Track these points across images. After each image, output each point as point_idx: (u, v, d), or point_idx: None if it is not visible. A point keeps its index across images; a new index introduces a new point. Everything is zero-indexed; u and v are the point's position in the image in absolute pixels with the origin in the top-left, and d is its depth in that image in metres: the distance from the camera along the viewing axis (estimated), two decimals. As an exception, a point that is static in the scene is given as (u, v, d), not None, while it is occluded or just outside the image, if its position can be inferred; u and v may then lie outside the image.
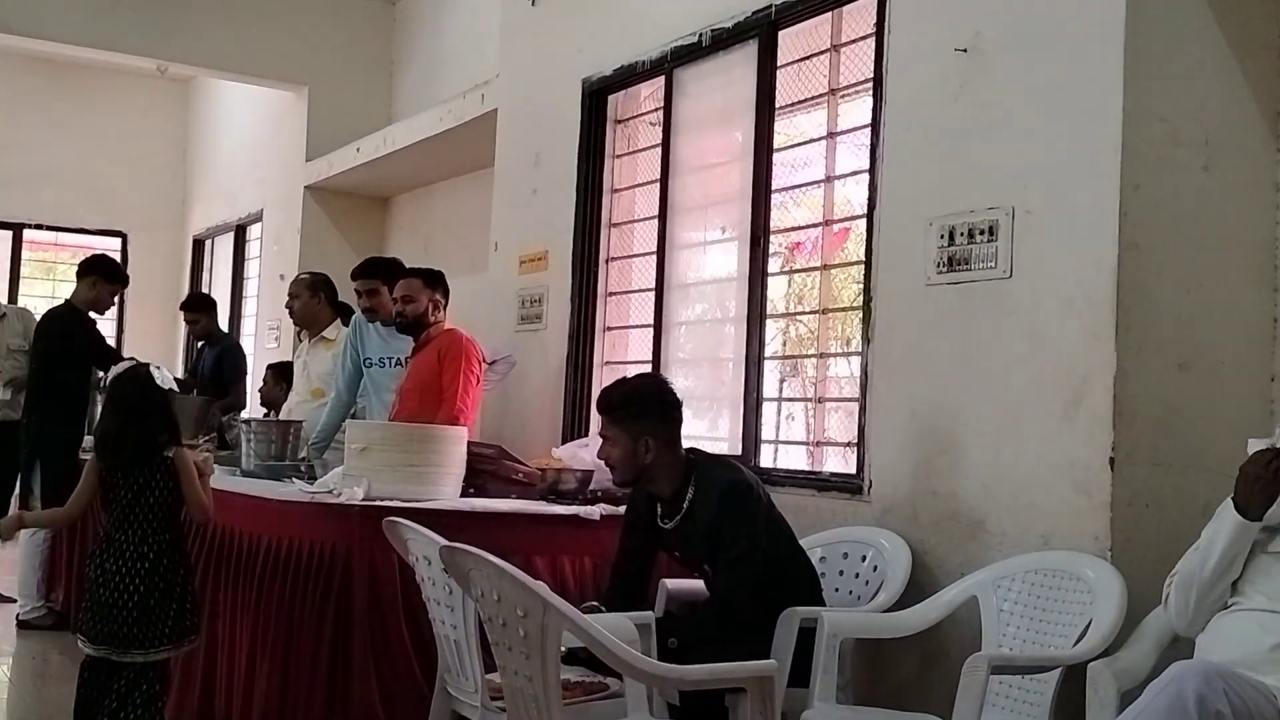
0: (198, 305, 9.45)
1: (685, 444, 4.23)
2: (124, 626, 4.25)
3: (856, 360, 5.06)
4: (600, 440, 4.20)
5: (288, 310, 7.71)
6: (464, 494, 4.93)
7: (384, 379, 6.59)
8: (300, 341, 7.87)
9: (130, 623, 4.25)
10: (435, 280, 6.22)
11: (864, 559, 4.61)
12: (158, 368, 4.52)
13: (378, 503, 4.50)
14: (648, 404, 4.09)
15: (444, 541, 3.46)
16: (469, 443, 5.08)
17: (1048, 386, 4.16)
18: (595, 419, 5.88)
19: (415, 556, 4.05)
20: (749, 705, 3.08)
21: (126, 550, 4.29)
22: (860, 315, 4.93)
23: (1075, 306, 4.08)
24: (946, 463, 4.51)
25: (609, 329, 6.74)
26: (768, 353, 5.58)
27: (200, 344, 9.44)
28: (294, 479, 5.24)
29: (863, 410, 4.89)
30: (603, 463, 4.23)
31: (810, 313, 5.49)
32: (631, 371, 5.78)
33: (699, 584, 4.38)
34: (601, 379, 6.58)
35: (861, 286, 4.93)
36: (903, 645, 4.44)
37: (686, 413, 4.35)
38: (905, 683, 4.56)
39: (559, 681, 3.01)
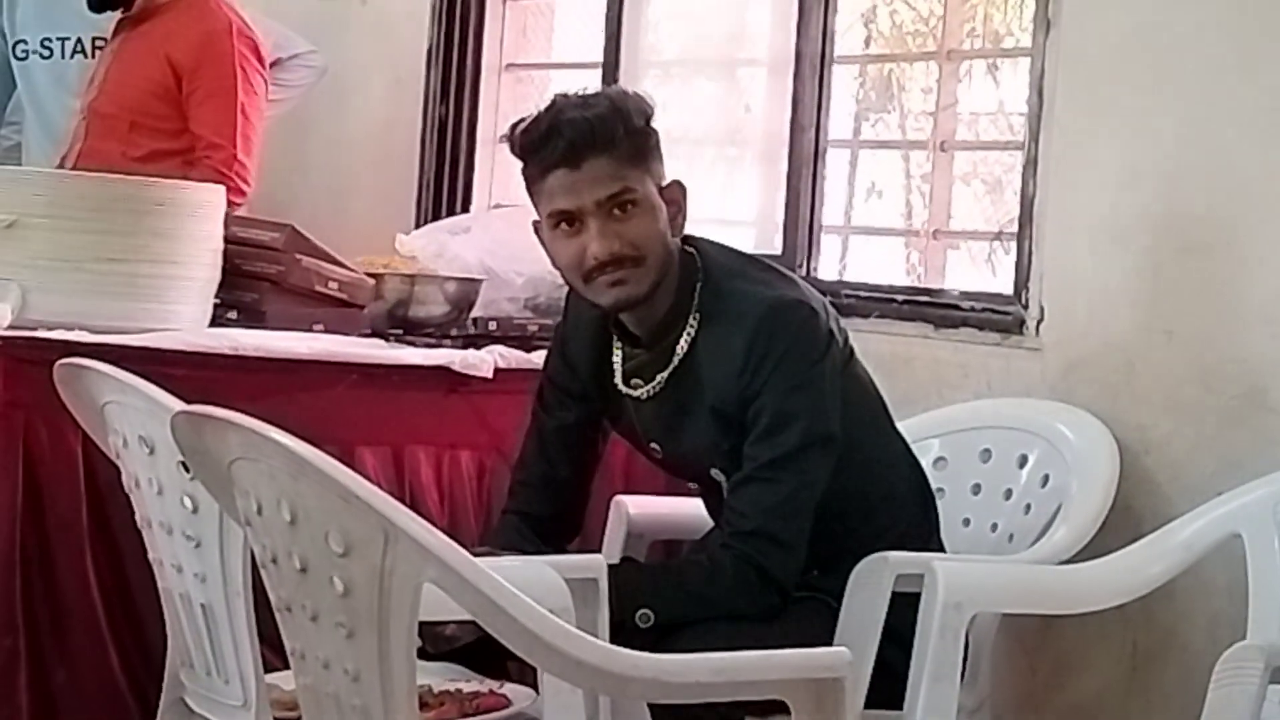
0: None
1: None
2: None
3: (1015, 70, 4.17)
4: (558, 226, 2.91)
5: None
6: (219, 320, 3.78)
7: (52, 80, 4.99)
8: None
9: None
10: None
11: (1025, 462, 3.70)
12: None
13: (41, 333, 3.38)
14: (645, 127, 2.94)
15: (180, 405, 2.59)
16: (234, 220, 3.84)
17: None
18: (480, 182, 4.98)
19: (122, 436, 2.96)
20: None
21: None
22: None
23: None
24: (1196, 271, 3.56)
25: (512, -2, 5.41)
26: (838, 51, 4.32)
27: None
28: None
29: (1030, 172, 3.85)
30: (601, 264, 2.90)
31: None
32: (566, 88, 4.77)
33: (691, 506, 3.25)
34: (499, 103, 5.24)
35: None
36: (1097, 629, 3.52)
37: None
38: (1098, 696, 3.66)
39: (413, 685, 2.26)
